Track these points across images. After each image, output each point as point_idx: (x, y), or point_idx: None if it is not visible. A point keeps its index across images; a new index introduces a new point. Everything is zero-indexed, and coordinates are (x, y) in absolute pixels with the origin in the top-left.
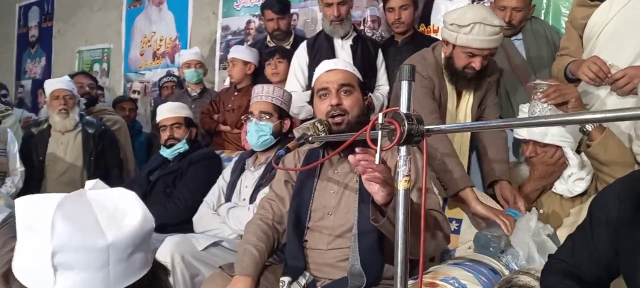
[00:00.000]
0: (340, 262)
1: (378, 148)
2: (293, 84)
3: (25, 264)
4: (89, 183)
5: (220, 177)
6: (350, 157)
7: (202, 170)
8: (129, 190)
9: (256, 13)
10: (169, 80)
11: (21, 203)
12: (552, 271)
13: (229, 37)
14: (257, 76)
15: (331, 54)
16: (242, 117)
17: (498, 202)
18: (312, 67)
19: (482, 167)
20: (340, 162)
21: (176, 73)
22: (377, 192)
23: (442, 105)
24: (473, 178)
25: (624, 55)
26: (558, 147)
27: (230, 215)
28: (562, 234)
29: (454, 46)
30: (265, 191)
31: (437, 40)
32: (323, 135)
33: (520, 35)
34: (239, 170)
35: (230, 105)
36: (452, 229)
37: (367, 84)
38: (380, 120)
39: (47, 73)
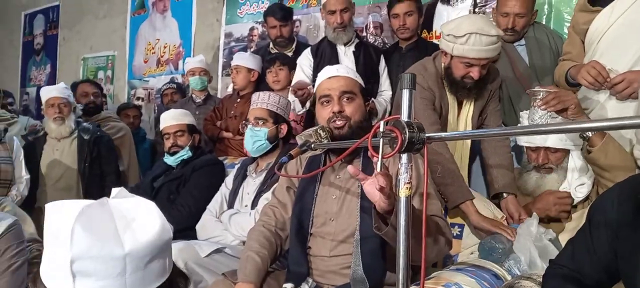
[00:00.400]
0: (344, 269)
1: (379, 157)
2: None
3: (49, 268)
4: (114, 191)
5: (223, 184)
6: (350, 168)
7: (206, 176)
8: (149, 200)
9: (259, 20)
10: (168, 88)
11: (50, 209)
12: (553, 276)
13: (232, 43)
14: (260, 83)
15: (334, 60)
16: (241, 124)
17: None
18: (315, 72)
19: (485, 176)
20: (342, 168)
21: (180, 80)
22: (379, 200)
23: (443, 115)
24: (476, 183)
25: (625, 60)
26: (567, 152)
27: (232, 221)
28: (564, 239)
29: (451, 56)
30: (266, 197)
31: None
32: (325, 141)
33: (523, 41)
34: (241, 177)
35: (232, 112)
36: (454, 234)
37: (370, 89)
38: (381, 129)
39: (53, 80)
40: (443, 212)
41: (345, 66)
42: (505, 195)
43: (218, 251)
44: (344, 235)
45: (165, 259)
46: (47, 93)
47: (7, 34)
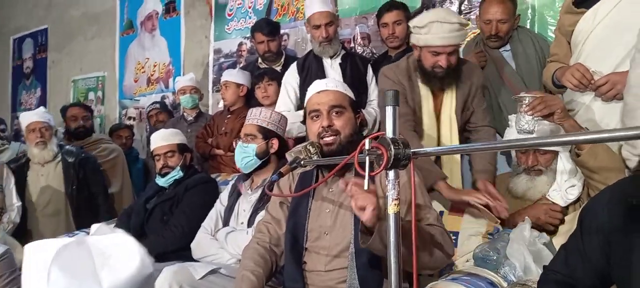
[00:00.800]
0: (340, 284)
1: (366, 174)
2: (284, 103)
3: None
4: (94, 227)
5: (218, 201)
6: (341, 183)
7: (199, 195)
8: (128, 235)
9: (247, 35)
10: (152, 109)
11: (27, 250)
12: (547, 282)
13: (222, 59)
14: (250, 98)
15: (321, 74)
16: (234, 140)
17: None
18: (302, 87)
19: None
20: (334, 181)
21: (171, 98)
22: (365, 215)
23: (416, 107)
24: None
25: (609, 61)
26: (556, 153)
27: (228, 239)
28: (558, 242)
29: (420, 48)
30: (262, 214)
31: None
32: (315, 157)
33: (508, 47)
34: (236, 193)
35: (223, 129)
36: None
37: (359, 101)
38: (367, 146)
39: (43, 103)
40: (440, 219)
41: (335, 80)
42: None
43: (213, 272)
44: (338, 249)
45: None
46: (27, 118)
47: None
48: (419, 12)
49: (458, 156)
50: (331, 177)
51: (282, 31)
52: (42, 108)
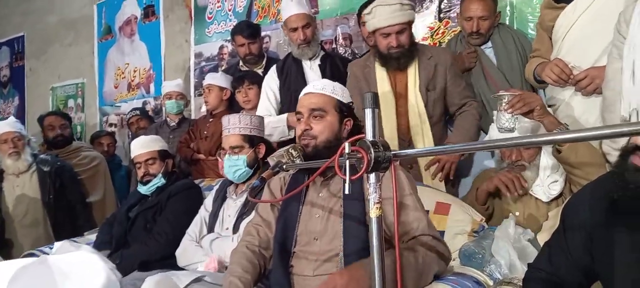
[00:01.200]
0: None
1: (347, 179)
2: (265, 107)
3: None
4: (57, 245)
5: (202, 207)
6: None
7: (182, 201)
8: (93, 252)
9: (228, 38)
10: (133, 116)
11: None
12: (533, 281)
13: (203, 63)
14: (233, 101)
15: (300, 76)
16: (216, 153)
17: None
18: (282, 90)
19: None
20: (325, 185)
21: (152, 103)
22: None
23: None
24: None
25: (588, 56)
26: (539, 149)
27: (214, 247)
28: (543, 238)
29: (374, 34)
30: (248, 220)
31: None
32: (298, 161)
33: (490, 44)
34: (220, 198)
35: (205, 133)
36: None
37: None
38: (347, 150)
39: (21, 112)
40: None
41: (324, 82)
42: None
43: (198, 280)
44: (328, 255)
45: None
46: None
47: None
48: None
49: (427, 123)
50: (321, 182)
51: (263, 33)
52: (12, 118)
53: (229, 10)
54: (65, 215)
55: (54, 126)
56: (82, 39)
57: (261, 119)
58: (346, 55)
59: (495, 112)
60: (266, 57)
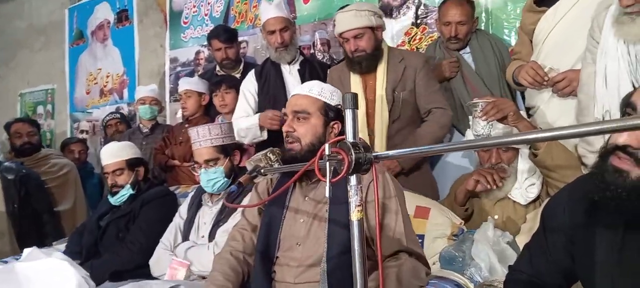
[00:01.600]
0: None
1: (327, 181)
2: (243, 109)
3: None
4: (26, 252)
5: (177, 214)
6: None
7: (156, 209)
8: (64, 259)
9: (204, 43)
10: (112, 118)
11: None
12: (513, 283)
13: (179, 68)
14: (210, 106)
15: (279, 81)
16: (189, 166)
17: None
18: (261, 94)
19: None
20: (310, 189)
21: (126, 109)
22: None
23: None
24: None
25: (567, 59)
26: (517, 151)
27: (189, 255)
28: (521, 241)
29: (341, 40)
30: (225, 228)
31: None
32: (276, 165)
33: (468, 49)
34: (195, 205)
35: (180, 138)
36: None
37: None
38: (327, 151)
39: None
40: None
41: (312, 83)
42: None
43: None
44: (310, 261)
45: None
46: None
47: None
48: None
49: (386, 125)
50: (306, 186)
51: (240, 38)
52: None
53: (206, 15)
54: (31, 225)
55: (21, 133)
56: (52, 44)
57: (229, 124)
58: (325, 60)
59: (470, 117)
60: (243, 62)
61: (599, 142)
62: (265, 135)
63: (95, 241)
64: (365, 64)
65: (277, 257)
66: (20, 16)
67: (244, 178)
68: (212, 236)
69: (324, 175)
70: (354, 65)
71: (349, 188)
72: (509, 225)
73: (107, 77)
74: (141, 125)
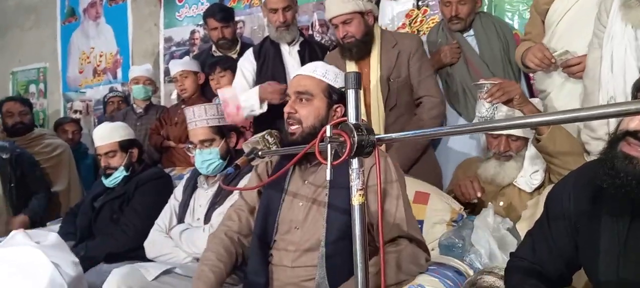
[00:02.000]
0: (305, 282)
1: (328, 164)
2: (240, 85)
3: None
4: (12, 234)
5: (172, 196)
6: None
7: (151, 191)
8: (36, 249)
9: (200, 22)
10: (114, 96)
11: None
12: (515, 270)
13: (173, 48)
14: (206, 86)
15: (278, 61)
16: (184, 147)
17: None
18: (259, 74)
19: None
20: (310, 173)
21: (119, 89)
22: None
23: None
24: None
25: (582, 42)
26: (527, 140)
27: (183, 238)
28: (522, 228)
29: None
30: (220, 210)
31: None
32: (274, 147)
33: (471, 31)
34: (191, 187)
35: (176, 119)
36: None
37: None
38: (328, 133)
39: None
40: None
41: (316, 64)
42: None
43: (167, 272)
44: (308, 245)
45: None
46: None
47: None
48: (377, 1)
49: (382, 114)
50: (306, 169)
51: (237, 18)
52: None
53: None
54: (26, 203)
55: (13, 113)
56: (43, 22)
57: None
58: (323, 41)
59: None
60: (240, 42)
61: (602, 128)
62: (265, 108)
63: (90, 222)
64: (356, 51)
65: (274, 241)
66: None
67: (241, 160)
68: (207, 219)
69: (325, 158)
70: (345, 51)
71: (350, 172)
72: (511, 212)
73: (100, 56)
74: (135, 106)
